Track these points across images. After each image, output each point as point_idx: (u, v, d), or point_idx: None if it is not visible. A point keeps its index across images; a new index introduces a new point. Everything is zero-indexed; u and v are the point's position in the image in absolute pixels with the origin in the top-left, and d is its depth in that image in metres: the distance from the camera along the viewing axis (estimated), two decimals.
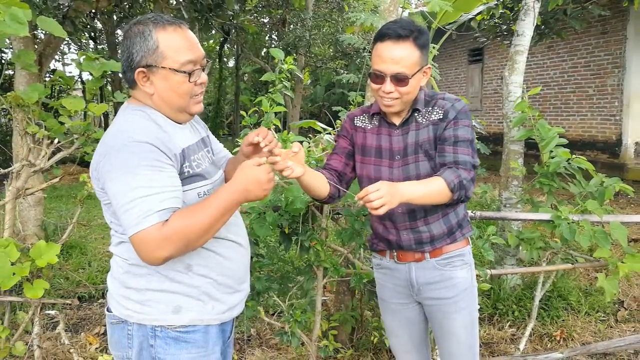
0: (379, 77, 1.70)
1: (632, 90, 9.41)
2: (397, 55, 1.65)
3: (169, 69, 1.38)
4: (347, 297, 3.15)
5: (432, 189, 1.65)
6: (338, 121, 2.81)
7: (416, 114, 1.80)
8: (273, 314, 3.18)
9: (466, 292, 1.87)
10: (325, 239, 2.57)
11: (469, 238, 1.94)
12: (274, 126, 2.58)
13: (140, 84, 1.40)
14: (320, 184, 1.74)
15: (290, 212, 2.40)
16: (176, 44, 1.38)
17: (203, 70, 1.43)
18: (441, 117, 1.77)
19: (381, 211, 1.46)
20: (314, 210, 2.50)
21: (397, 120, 1.81)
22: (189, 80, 1.40)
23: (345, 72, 13.52)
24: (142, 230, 1.24)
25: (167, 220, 1.26)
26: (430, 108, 1.79)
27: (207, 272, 1.46)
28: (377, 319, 2.95)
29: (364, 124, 1.88)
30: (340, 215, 2.59)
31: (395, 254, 1.89)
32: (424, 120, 1.78)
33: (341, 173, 1.88)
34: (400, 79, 1.67)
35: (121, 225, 1.32)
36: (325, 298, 3.14)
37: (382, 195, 1.47)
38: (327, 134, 3.18)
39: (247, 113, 2.72)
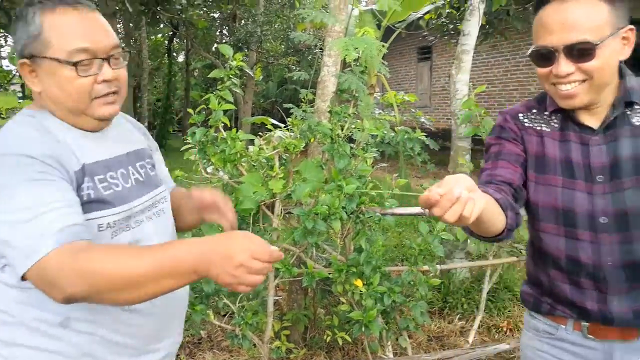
0: (545, 57, 1.16)
1: None
2: (571, 17, 1.11)
3: (54, 59, 1.07)
4: (299, 296, 3.13)
5: None
6: (289, 118, 2.78)
7: (629, 111, 1.20)
8: (224, 315, 3.11)
9: None
10: (277, 239, 2.54)
11: None
12: (222, 124, 2.52)
13: (26, 79, 1.12)
14: (496, 213, 1.11)
15: (240, 212, 2.36)
16: (65, 29, 1.08)
17: (108, 61, 1.11)
18: None
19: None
20: (265, 210, 2.47)
21: (593, 121, 1.22)
22: (78, 74, 1.07)
23: (298, 69, 13.49)
24: (37, 263, 0.91)
25: (70, 243, 0.93)
26: None
27: (94, 329, 1.09)
28: (330, 317, 2.95)
29: (538, 125, 1.28)
30: (291, 215, 2.57)
31: (587, 326, 1.26)
32: None
33: (517, 189, 1.23)
34: (581, 51, 1.11)
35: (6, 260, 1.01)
36: (277, 298, 3.11)
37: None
38: (278, 130, 3.15)
39: (196, 110, 2.65)
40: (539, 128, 1.28)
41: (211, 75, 2.59)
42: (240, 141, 2.43)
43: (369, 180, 2.67)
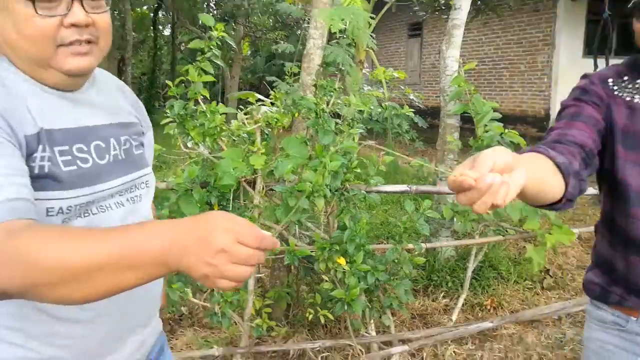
0: None
1: (560, 67, 9.79)
2: None
3: None
4: (282, 274, 3.09)
5: None
6: (273, 91, 2.69)
7: None
8: (205, 292, 3.06)
9: None
10: (259, 216, 2.47)
11: None
12: (202, 97, 2.43)
13: None
14: (548, 184, 0.98)
15: (220, 188, 2.29)
16: None
17: (81, 1, 0.89)
18: None
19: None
20: (246, 186, 2.39)
21: None
22: (36, 12, 0.85)
23: (285, 43, 13.27)
24: None
25: (9, 222, 0.73)
26: None
27: (24, 340, 0.88)
28: (312, 295, 2.91)
29: (629, 95, 1.14)
30: (273, 191, 2.50)
31: None
32: None
33: (589, 154, 1.09)
34: None
35: None
36: (260, 275, 3.06)
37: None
38: (261, 104, 3.06)
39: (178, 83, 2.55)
40: (629, 99, 1.13)
41: (190, 45, 2.49)
42: (221, 114, 2.34)
43: (354, 157, 2.61)
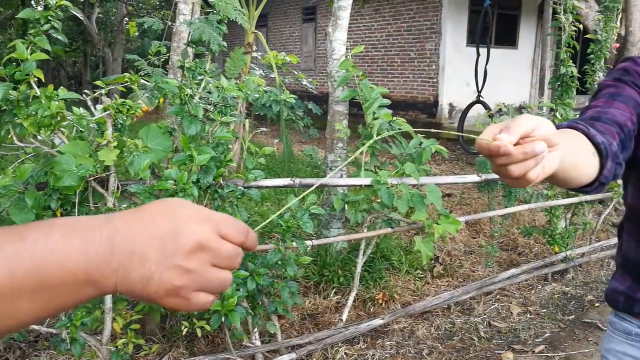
0: None
1: (447, 55, 10.12)
2: None
3: None
4: None
5: None
6: (131, 74, 2.30)
7: None
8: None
9: None
10: None
11: None
12: (36, 79, 1.99)
13: None
14: (581, 166, 0.87)
15: (61, 190, 1.88)
16: None
17: None
18: None
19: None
20: (96, 187, 2.01)
21: None
22: None
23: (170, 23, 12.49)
24: None
25: None
26: None
27: None
28: None
29: None
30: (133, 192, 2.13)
31: None
32: None
33: (628, 136, 1.00)
34: None
35: None
36: None
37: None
38: (142, 89, 2.65)
39: (5, 62, 2.07)
40: None
41: (20, 15, 2.03)
42: (60, 100, 1.93)
43: (233, 149, 2.32)
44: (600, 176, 0.90)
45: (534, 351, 2.82)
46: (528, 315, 3.22)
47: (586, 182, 0.89)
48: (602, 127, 0.96)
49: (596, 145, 0.89)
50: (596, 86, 1.14)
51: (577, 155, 0.85)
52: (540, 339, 2.95)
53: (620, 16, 5.12)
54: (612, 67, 5.10)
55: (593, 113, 1.02)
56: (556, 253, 3.81)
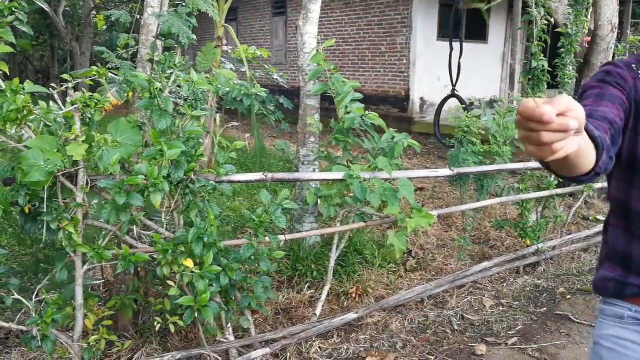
0: None
1: (417, 49, 10.20)
2: None
3: None
4: (128, 277, 2.69)
5: None
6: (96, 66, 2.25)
7: None
8: (21, 310, 2.53)
9: None
10: (84, 216, 2.06)
11: None
12: (0, 71, 1.93)
13: None
14: (585, 156, 0.95)
15: (29, 185, 1.84)
16: None
17: None
18: None
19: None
20: (64, 182, 1.96)
21: None
22: None
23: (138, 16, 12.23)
24: None
25: None
26: None
27: None
28: (161, 299, 2.56)
29: None
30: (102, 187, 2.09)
31: None
32: None
33: (617, 131, 1.10)
34: None
35: None
36: (95, 282, 2.64)
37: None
38: (111, 83, 2.59)
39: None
40: None
41: None
42: (26, 94, 1.88)
43: (204, 143, 2.30)
44: (596, 166, 0.98)
45: (506, 343, 2.87)
46: (500, 308, 3.28)
47: (584, 171, 0.97)
48: (595, 123, 1.02)
49: (593, 138, 0.96)
50: (581, 88, 1.24)
51: (585, 145, 0.92)
52: (512, 331, 3.00)
53: (590, 10, 5.24)
54: (582, 60, 5.24)
55: (585, 111, 1.05)
56: (528, 246, 3.89)
